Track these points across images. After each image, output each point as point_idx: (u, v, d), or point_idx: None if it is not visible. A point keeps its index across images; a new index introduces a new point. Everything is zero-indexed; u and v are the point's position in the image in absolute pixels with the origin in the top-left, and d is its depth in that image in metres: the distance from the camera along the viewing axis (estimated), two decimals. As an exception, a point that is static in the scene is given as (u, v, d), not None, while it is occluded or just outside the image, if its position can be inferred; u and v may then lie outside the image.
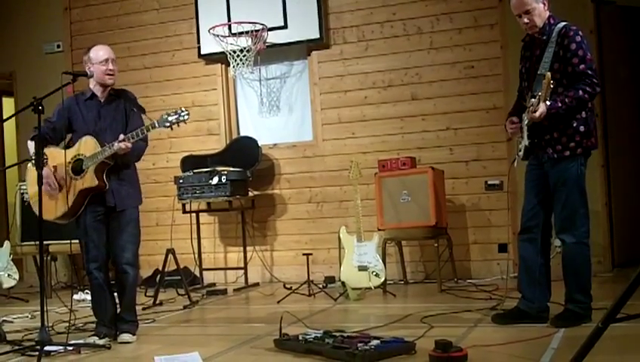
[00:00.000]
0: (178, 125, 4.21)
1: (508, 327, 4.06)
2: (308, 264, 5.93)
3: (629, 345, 3.44)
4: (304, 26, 6.81)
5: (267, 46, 6.81)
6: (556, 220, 4.08)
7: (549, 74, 3.80)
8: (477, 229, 6.41)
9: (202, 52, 7.20)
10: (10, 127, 8.05)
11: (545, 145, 4.00)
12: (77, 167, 4.27)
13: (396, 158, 6.14)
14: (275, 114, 7.22)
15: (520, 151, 4.11)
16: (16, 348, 4.13)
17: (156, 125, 4.19)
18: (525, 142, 4.04)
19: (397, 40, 6.71)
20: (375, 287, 5.55)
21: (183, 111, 4.18)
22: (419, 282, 6.41)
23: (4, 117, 8.61)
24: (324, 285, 6.21)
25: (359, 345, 3.51)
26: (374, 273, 5.53)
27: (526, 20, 4.02)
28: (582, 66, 3.89)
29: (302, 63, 7.14)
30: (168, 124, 4.18)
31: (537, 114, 3.84)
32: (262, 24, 6.69)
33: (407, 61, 6.67)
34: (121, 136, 4.19)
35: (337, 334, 3.78)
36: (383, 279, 5.59)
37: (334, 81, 6.93)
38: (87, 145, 4.27)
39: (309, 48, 7.00)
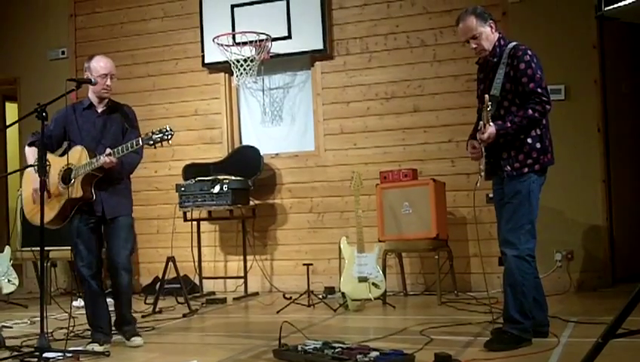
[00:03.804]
0: (162, 145, 4.20)
1: (507, 341, 4.05)
2: (308, 274, 5.92)
3: (629, 360, 3.43)
4: (308, 37, 6.84)
5: (271, 56, 6.84)
6: (500, 232, 4.05)
7: (486, 96, 3.86)
8: (477, 242, 6.40)
9: (206, 61, 7.23)
10: (13, 133, 8.06)
11: (503, 163, 4.00)
12: (66, 175, 4.31)
13: (398, 170, 6.15)
14: (277, 124, 7.24)
15: (482, 171, 4.11)
16: (15, 354, 4.12)
17: (140, 143, 4.19)
18: (483, 162, 4.04)
19: (400, 52, 6.73)
20: (375, 298, 5.54)
21: (167, 131, 4.17)
22: (419, 294, 6.40)
23: (8, 122, 8.63)
24: (324, 295, 6.21)
25: (358, 356, 3.50)
26: (374, 284, 5.52)
27: (474, 45, 4.07)
28: (531, 85, 3.90)
29: (305, 74, 7.17)
30: (152, 142, 4.17)
31: (485, 136, 3.88)
32: (266, 34, 6.73)
33: (410, 73, 6.69)
34: (108, 150, 4.20)
35: (337, 345, 3.78)
36: (382, 290, 5.58)
37: (337, 92, 6.95)
38: (76, 155, 4.31)
39: (312, 59, 7.02)
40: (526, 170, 3.95)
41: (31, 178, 4.40)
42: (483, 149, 4.01)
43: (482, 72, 4.21)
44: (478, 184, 4.16)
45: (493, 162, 4.02)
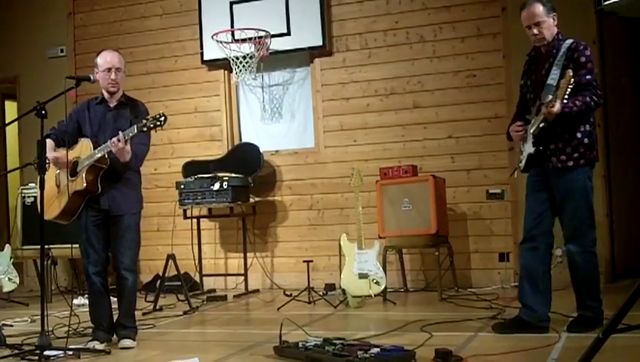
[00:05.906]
0: (155, 130, 4.16)
1: (508, 336, 4.05)
2: (308, 271, 5.92)
3: (629, 355, 3.43)
4: (307, 34, 6.83)
5: (270, 53, 6.83)
6: (565, 230, 4.16)
7: (570, 72, 3.91)
8: (478, 238, 6.41)
9: (205, 58, 7.22)
10: (12, 130, 8.07)
11: (550, 154, 4.08)
12: (73, 169, 4.31)
13: (398, 166, 6.15)
14: (277, 120, 7.24)
15: (521, 162, 4.17)
16: (16, 352, 4.12)
17: (135, 130, 4.14)
18: (531, 149, 4.10)
19: (400, 48, 6.72)
20: (375, 295, 5.54)
21: (160, 116, 4.13)
22: (419, 290, 6.41)
23: (7, 121, 8.62)
24: (325, 292, 6.21)
25: (359, 352, 3.50)
26: (375, 281, 5.52)
27: (535, 32, 4.14)
28: (588, 77, 4.03)
29: (304, 70, 7.16)
30: (145, 129, 4.13)
31: (555, 109, 3.90)
32: (265, 31, 6.72)
33: (409, 69, 6.69)
34: (120, 134, 4.11)
35: (337, 342, 3.78)
36: (383, 287, 5.58)
37: (337, 89, 6.94)
38: (83, 148, 4.30)
39: (311, 55, 7.02)
40: (571, 163, 4.05)
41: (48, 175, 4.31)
42: (531, 137, 4.06)
43: (534, 63, 4.27)
44: (516, 175, 4.19)
45: (541, 150, 4.07)
